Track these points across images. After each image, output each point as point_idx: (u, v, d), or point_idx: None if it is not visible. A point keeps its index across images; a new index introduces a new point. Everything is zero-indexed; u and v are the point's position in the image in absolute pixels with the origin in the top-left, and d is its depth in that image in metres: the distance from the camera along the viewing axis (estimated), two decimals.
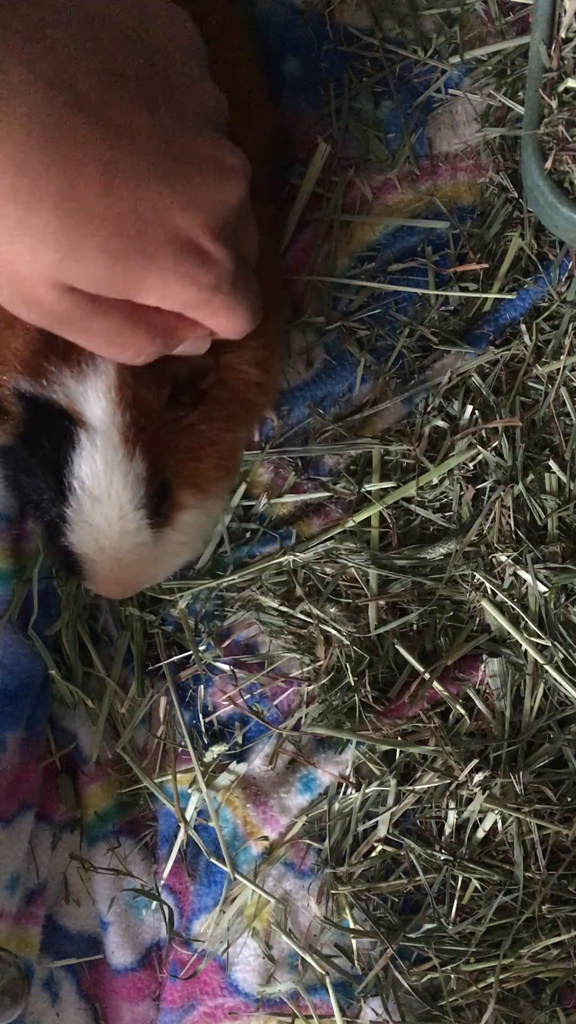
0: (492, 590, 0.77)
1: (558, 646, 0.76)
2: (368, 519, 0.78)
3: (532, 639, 0.77)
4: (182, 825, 0.76)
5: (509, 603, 0.77)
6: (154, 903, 0.78)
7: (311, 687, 0.77)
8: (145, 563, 0.65)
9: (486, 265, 0.80)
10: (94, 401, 0.59)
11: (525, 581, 0.77)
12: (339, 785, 0.77)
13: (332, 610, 0.77)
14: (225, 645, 0.79)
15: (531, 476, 0.78)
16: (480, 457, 0.78)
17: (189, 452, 0.64)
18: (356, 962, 0.75)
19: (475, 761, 0.75)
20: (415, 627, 0.78)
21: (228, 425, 0.67)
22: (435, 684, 0.76)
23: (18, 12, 0.48)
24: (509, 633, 0.77)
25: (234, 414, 0.67)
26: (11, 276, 0.50)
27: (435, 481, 0.78)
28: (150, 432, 0.61)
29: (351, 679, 0.76)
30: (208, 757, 0.78)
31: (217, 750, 0.78)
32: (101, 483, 0.60)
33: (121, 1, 0.53)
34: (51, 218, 0.48)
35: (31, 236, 0.48)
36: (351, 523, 0.77)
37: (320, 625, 0.77)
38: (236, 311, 0.56)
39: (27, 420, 0.62)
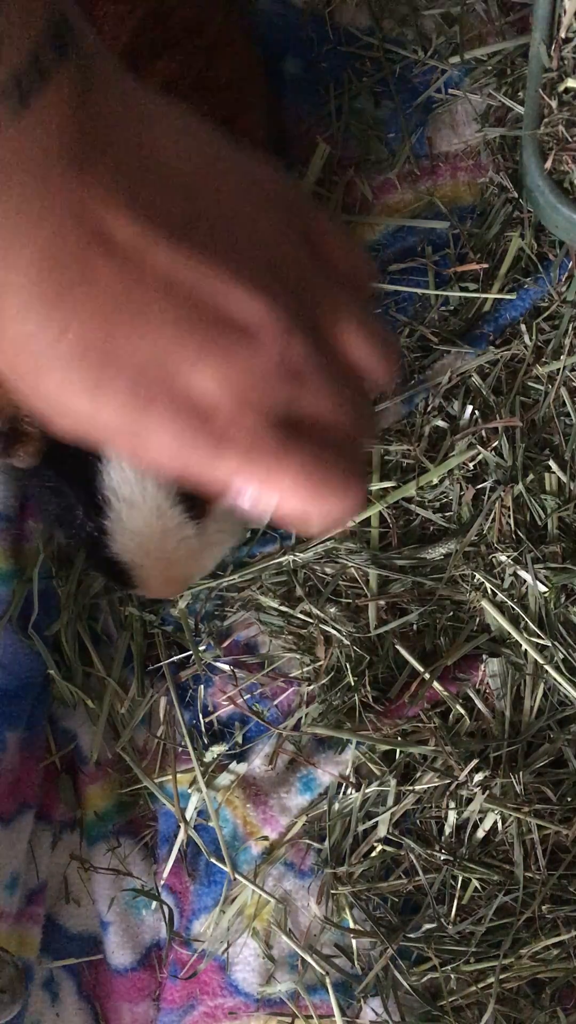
0: (492, 590, 0.77)
1: (558, 646, 0.76)
2: (368, 519, 0.78)
3: (532, 639, 0.77)
4: (182, 825, 0.76)
5: (509, 603, 0.77)
6: (154, 903, 0.78)
7: (311, 687, 0.77)
8: (191, 557, 0.65)
9: (486, 265, 0.80)
10: None
11: (525, 581, 0.77)
12: (339, 785, 0.77)
13: (332, 610, 0.77)
14: (225, 645, 0.79)
15: (531, 476, 0.78)
16: (480, 457, 0.78)
17: None
18: (356, 962, 0.75)
19: (475, 761, 0.75)
20: (415, 627, 0.78)
21: None
22: (435, 684, 0.76)
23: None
24: (509, 633, 0.77)
25: None
26: None
27: (435, 481, 0.78)
28: None
29: (351, 679, 0.76)
30: (208, 757, 0.78)
31: (217, 750, 0.78)
32: (135, 489, 0.60)
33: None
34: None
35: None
36: (351, 523, 0.77)
37: (320, 625, 0.77)
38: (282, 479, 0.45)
39: (48, 439, 0.61)
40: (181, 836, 0.77)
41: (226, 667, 0.78)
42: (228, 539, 0.70)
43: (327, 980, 0.73)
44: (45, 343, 0.39)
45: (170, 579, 0.65)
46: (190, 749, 0.77)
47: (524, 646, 0.77)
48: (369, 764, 0.76)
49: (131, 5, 0.65)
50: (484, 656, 0.78)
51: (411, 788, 0.75)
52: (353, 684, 0.76)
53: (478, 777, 0.75)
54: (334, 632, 0.77)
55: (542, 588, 0.77)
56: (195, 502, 0.63)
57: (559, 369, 0.79)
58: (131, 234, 0.40)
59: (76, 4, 0.41)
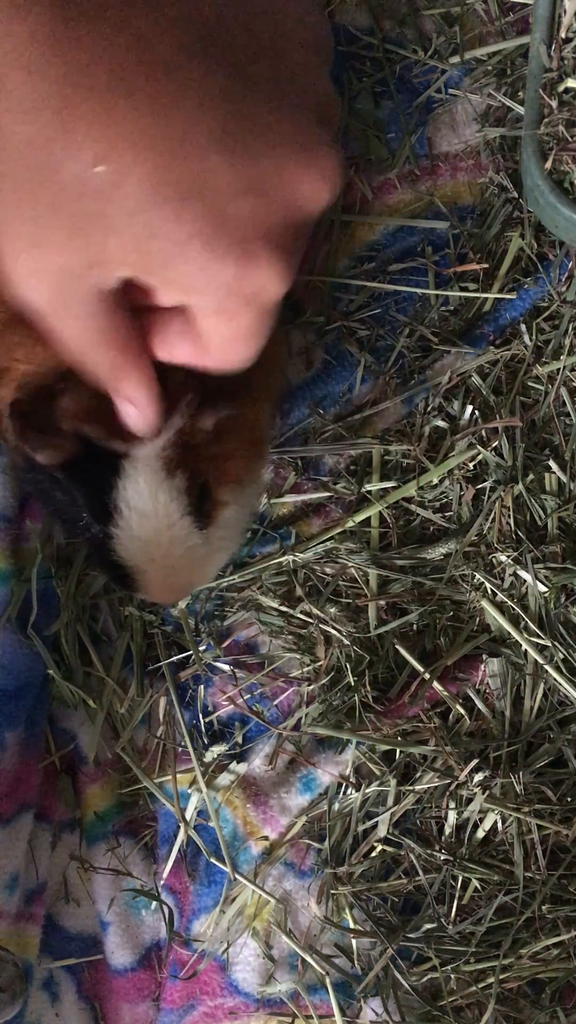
0: (492, 590, 0.77)
1: (558, 646, 0.77)
2: (368, 519, 0.78)
3: (532, 639, 0.77)
4: (182, 825, 0.76)
5: (509, 603, 0.77)
6: (154, 903, 0.78)
7: (311, 687, 0.77)
8: (195, 565, 0.65)
9: (486, 265, 0.80)
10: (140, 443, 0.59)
11: (525, 581, 0.77)
12: (339, 785, 0.77)
13: (332, 610, 0.77)
14: (225, 645, 0.79)
15: (531, 476, 0.78)
16: (480, 457, 0.78)
17: (223, 454, 0.64)
18: (356, 962, 0.75)
19: (475, 761, 0.75)
20: (415, 627, 0.78)
21: (249, 402, 0.66)
22: (435, 684, 0.76)
23: None
24: (509, 633, 0.77)
25: (258, 402, 0.67)
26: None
27: (435, 481, 0.78)
28: (188, 450, 0.61)
29: (351, 679, 0.76)
30: (208, 757, 0.78)
31: (217, 750, 0.78)
32: (147, 501, 0.60)
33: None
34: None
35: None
36: (351, 523, 0.77)
37: (320, 625, 0.77)
38: (239, 341, 0.47)
39: (80, 446, 0.61)
40: (181, 836, 0.77)
41: (226, 667, 0.78)
42: (230, 546, 0.70)
43: (327, 980, 0.73)
44: None
45: (173, 586, 0.65)
46: (190, 749, 0.77)
47: (524, 646, 0.77)
48: (369, 764, 0.76)
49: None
50: (484, 656, 0.78)
51: (411, 788, 0.75)
52: (353, 684, 0.76)
53: (478, 777, 0.75)
54: (334, 632, 0.77)
55: (542, 588, 0.77)
56: (203, 509, 0.63)
57: (559, 369, 0.79)
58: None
59: None
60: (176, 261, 0.42)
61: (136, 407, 0.53)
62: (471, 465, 0.78)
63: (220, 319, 0.46)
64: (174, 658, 0.79)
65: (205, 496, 0.64)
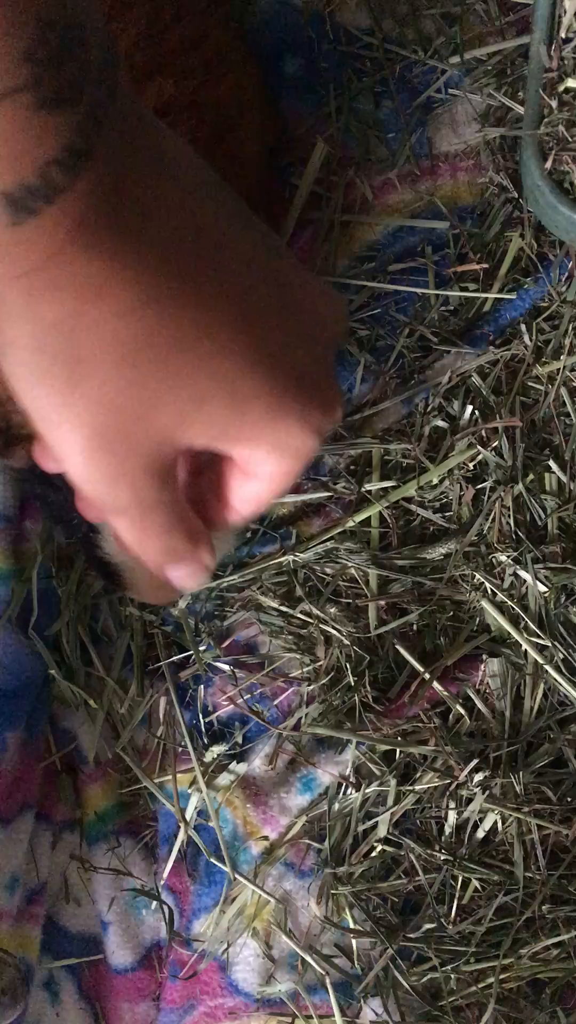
0: (492, 590, 0.77)
1: (558, 646, 0.77)
2: (368, 519, 0.78)
3: (532, 639, 0.77)
4: (182, 825, 0.76)
5: (509, 603, 0.77)
6: (154, 903, 0.78)
7: (311, 687, 0.77)
8: None
9: (486, 265, 0.80)
10: None
11: (525, 581, 0.77)
12: (339, 785, 0.77)
13: (332, 610, 0.77)
14: (225, 645, 0.79)
15: (531, 476, 0.78)
16: (480, 457, 0.78)
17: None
18: (356, 962, 0.75)
19: (475, 761, 0.75)
20: (415, 627, 0.78)
21: None
22: (435, 684, 0.76)
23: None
24: (509, 633, 0.77)
25: None
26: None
27: (435, 481, 0.78)
28: None
29: (351, 679, 0.76)
30: (208, 757, 0.78)
31: (217, 750, 0.78)
32: None
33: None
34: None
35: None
36: (351, 523, 0.77)
37: (320, 625, 0.77)
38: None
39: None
40: (181, 836, 0.77)
41: (226, 667, 0.78)
42: (221, 548, 0.69)
43: (327, 980, 0.73)
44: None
45: (162, 586, 0.65)
46: (190, 749, 0.77)
47: (524, 646, 0.77)
48: (369, 764, 0.76)
49: (124, 24, 0.64)
50: (484, 656, 0.78)
51: (411, 788, 0.75)
52: (353, 684, 0.76)
53: (478, 777, 0.75)
54: (334, 632, 0.77)
55: (542, 588, 0.77)
56: None
57: (559, 369, 0.79)
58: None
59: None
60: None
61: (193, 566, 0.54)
62: (471, 465, 0.78)
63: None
64: (174, 658, 0.79)
65: None
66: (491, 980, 0.73)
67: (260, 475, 0.48)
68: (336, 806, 0.76)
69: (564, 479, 0.78)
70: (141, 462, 0.45)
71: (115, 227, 0.41)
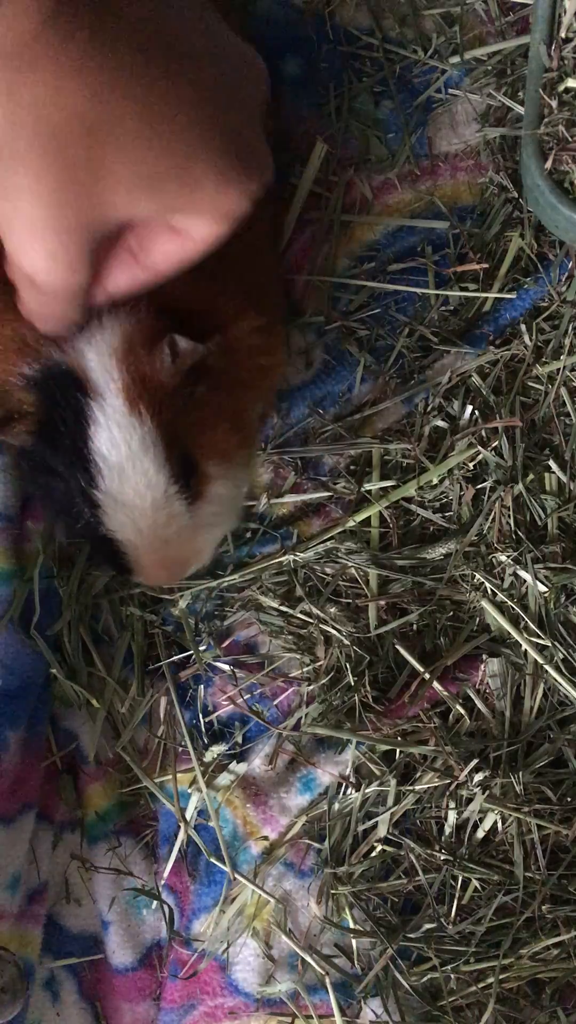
0: (492, 590, 0.77)
1: (558, 646, 0.76)
2: (368, 519, 0.78)
3: (532, 639, 0.77)
4: (182, 825, 0.77)
5: (509, 603, 0.77)
6: (154, 903, 0.78)
7: (311, 687, 0.77)
8: (185, 537, 0.65)
9: (486, 265, 0.80)
10: (95, 361, 0.61)
11: (525, 581, 0.77)
12: (339, 785, 0.77)
13: (332, 610, 0.77)
14: (225, 645, 0.79)
15: (531, 476, 0.78)
16: (480, 457, 0.78)
17: (204, 423, 0.65)
18: (356, 962, 0.75)
19: (475, 761, 0.75)
20: (415, 627, 0.78)
21: (238, 392, 0.68)
22: (435, 684, 0.76)
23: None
24: (509, 633, 0.77)
25: (243, 380, 0.68)
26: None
27: (435, 481, 0.78)
28: (158, 399, 0.62)
29: (351, 679, 0.76)
30: (208, 757, 0.78)
31: (217, 750, 0.78)
32: (121, 450, 0.61)
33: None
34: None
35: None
36: (351, 523, 0.77)
37: (320, 625, 0.77)
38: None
39: (41, 410, 0.63)
40: (181, 836, 0.77)
41: (226, 667, 0.78)
42: (224, 522, 0.70)
43: (327, 980, 0.73)
44: None
45: (165, 562, 0.66)
46: (190, 749, 0.77)
47: (524, 646, 0.77)
48: (369, 764, 0.76)
49: None
50: (484, 656, 0.78)
51: (411, 788, 0.75)
52: (353, 684, 0.76)
53: (478, 777, 0.75)
54: (334, 632, 0.77)
55: (542, 588, 0.77)
56: (189, 481, 0.64)
57: (559, 369, 0.79)
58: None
59: None
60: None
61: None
62: (471, 465, 0.78)
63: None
64: (174, 658, 0.79)
65: (191, 469, 0.64)
66: (491, 980, 0.73)
67: (195, 237, 0.52)
68: (336, 806, 0.76)
69: (564, 479, 0.78)
70: (83, 238, 0.49)
71: (91, 10, 0.45)
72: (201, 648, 0.79)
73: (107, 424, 0.61)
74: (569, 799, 0.76)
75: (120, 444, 0.61)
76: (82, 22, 0.45)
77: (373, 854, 0.76)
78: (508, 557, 0.77)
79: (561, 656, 0.76)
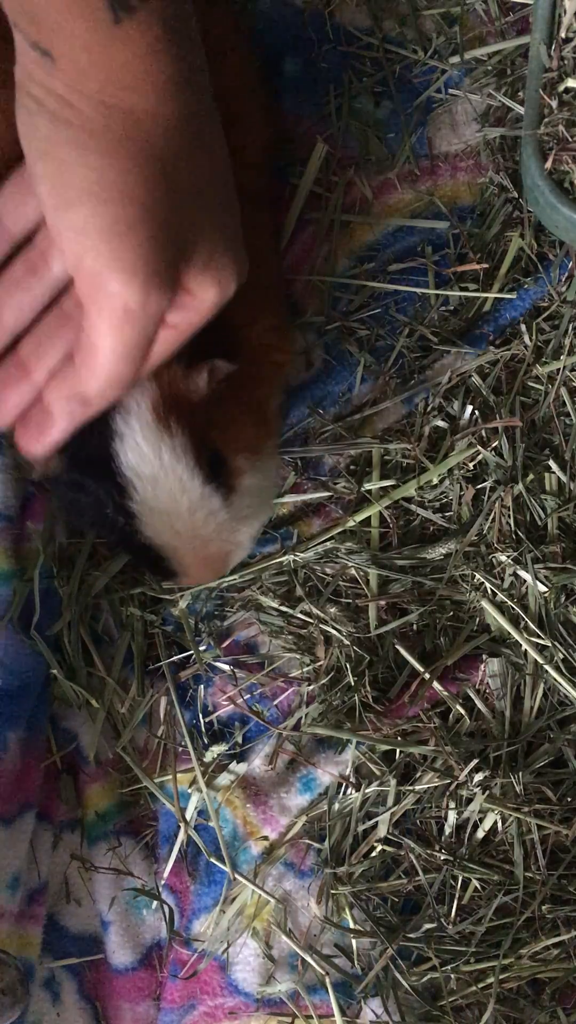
0: (492, 590, 0.77)
1: (558, 646, 0.76)
2: (368, 519, 0.78)
3: (532, 639, 0.77)
4: (182, 825, 0.77)
5: (509, 603, 0.77)
6: (154, 903, 0.78)
7: (311, 687, 0.77)
8: (224, 534, 0.66)
9: (486, 265, 0.80)
10: None
11: (525, 581, 0.77)
12: (339, 785, 0.77)
13: (332, 610, 0.77)
14: (225, 645, 0.79)
15: (531, 476, 0.78)
16: (480, 457, 0.78)
17: (228, 418, 0.65)
18: (356, 962, 0.75)
19: (475, 761, 0.75)
20: (415, 627, 0.78)
21: (257, 386, 0.69)
22: (435, 684, 0.76)
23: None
24: (509, 633, 0.77)
25: (260, 376, 0.69)
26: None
27: (435, 481, 0.78)
28: (183, 406, 0.62)
29: (351, 679, 0.76)
30: (208, 757, 0.78)
31: (217, 750, 0.78)
32: (152, 463, 0.61)
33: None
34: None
35: None
36: (351, 523, 0.77)
37: (320, 625, 0.77)
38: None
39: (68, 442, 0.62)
40: (181, 836, 0.77)
41: (226, 667, 0.78)
42: (260, 514, 0.70)
43: (327, 980, 0.73)
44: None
45: (208, 559, 0.66)
46: (190, 749, 0.77)
47: (524, 646, 0.77)
48: (369, 764, 0.76)
49: None
50: (484, 656, 0.78)
51: (411, 788, 0.75)
52: (353, 684, 0.76)
53: (478, 777, 0.75)
54: (334, 632, 0.77)
55: (542, 588, 0.77)
56: (220, 478, 0.64)
57: (559, 369, 0.79)
58: None
59: None
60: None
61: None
62: (471, 465, 0.78)
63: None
64: (174, 658, 0.79)
65: (221, 464, 0.65)
66: (491, 980, 0.73)
67: (199, 309, 0.56)
68: (336, 806, 0.76)
69: (564, 479, 0.78)
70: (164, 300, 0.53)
71: (184, 42, 0.50)
72: (201, 648, 0.79)
73: (136, 439, 0.61)
74: (569, 799, 0.76)
75: (150, 457, 0.61)
76: (182, 46, 0.51)
77: (373, 854, 0.76)
78: (508, 557, 0.77)
79: (561, 656, 0.76)
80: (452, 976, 0.74)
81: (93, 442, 0.61)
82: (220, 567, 0.69)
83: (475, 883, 0.75)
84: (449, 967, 0.74)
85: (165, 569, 0.66)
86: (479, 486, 0.78)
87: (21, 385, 0.59)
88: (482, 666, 0.78)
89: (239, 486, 0.66)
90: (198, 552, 0.65)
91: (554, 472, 0.78)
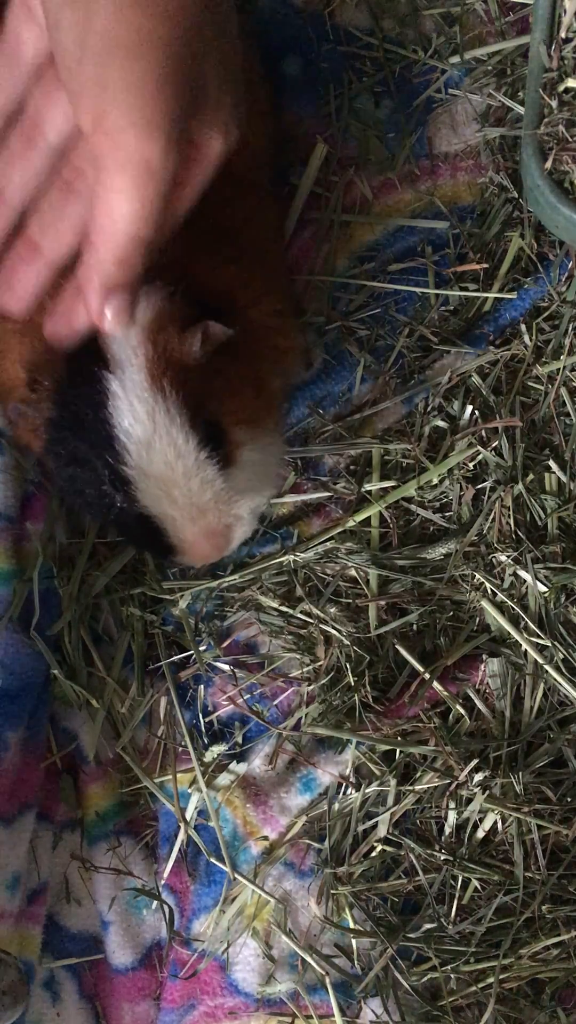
0: (492, 590, 0.77)
1: (558, 646, 0.76)
2: (368, 519, 0.78)
3: (532, 639, 0.77)
4: (182, 825, 0.77)
5: (509, 603, 0.77)
6: (154, 903, 0.78)
7: (311, 687, 0.77)
8: (222, 504, 0.64)
9: (486, 265, 0.80)
10: (119, 334, 0.60)
11: (525, 581, 0.77)
12: (339, 785, 0.77)
13: (332, 610, 0.77)
14: (225, 645, 0.79)
15: (531, 476, 0.78)
16: (480, 457, 0.78)
17: (226, 390, 0.65)
18: (356, 962, 0.75)
19: (475, 761, 0.75)
20: (415, 627, 0.78)
21: (256, 362, 0.68)
22: (435, 684, 0.76)
23: None
24: (509, 633, 0.77)
25: (260, 353, 0.68)
26: None
27: (435, 481, 0.78)
28: (181, 373, 0.62)
29: (351, 679, 0.76)
30: (208, 757, 0.78)
31: (217, 750, 0.78)
32: (146, 425, 0.61)
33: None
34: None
35: None
36: (351, 523, 0.77)
37: (320, 625, 0.77)
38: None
39: (63, 376, 0.62)
40: (181, 836, 0.77)
41: (226, 667, 0.78)
42: (260, 489, 0.69)
43: (327, 980, 0.73)
44: None
45: (207, 532, 0.65)
46: (190, 749, 0.77)
47: (524, 646, 0.77)
48: (369, 764, 0.76)
49: None
50: (484, 656, 0.78)
51: (411, 788, 0.75)
52: (353, 684, 0.76)
53: (478, 777, 0.75)
54: (334, 632, 0.77)
55: (542, 588, 0.77)
56: (218, 447, 0.63)
57: (559, 369, 0.79)
58: None
59: None
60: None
61: None
62: (471, 465, 0.78)
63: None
64: (174, 658, 0.79)
65: (220, 436, 0.64)
66: (491, 980, 0.73)
67: (206, 161, 0.54)
68: (336, 806, 0.76)
69: (564, 479, 0.78)
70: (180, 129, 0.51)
71: None
72: (201, 648, 0.79)
73: (129, 399, 0.60)
74: (569, 799, 0.76)
75: (144, 418, 0.61)
76: None
77: (373, 854, 0.76)
78: (508, 557, 0.77)
79: (561, 656, 0.76)
80: (452, 976, 0.74)
81: (88, 407, 0.61)
82: (221, 542, 0.67)
83: (475, 883, 0.75)
84: (449, 967, 0.74)
85: (164, 545, 0.65)
86: (479, 486, 0.78)
87: (35, 263, 0.57)
88: (482, 666, 0.78)
89: (237, 458, 0.65)
90: (196, 523, 0.64)
91: (554, 472, 0.78)
